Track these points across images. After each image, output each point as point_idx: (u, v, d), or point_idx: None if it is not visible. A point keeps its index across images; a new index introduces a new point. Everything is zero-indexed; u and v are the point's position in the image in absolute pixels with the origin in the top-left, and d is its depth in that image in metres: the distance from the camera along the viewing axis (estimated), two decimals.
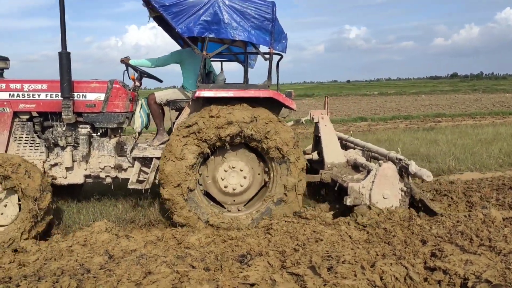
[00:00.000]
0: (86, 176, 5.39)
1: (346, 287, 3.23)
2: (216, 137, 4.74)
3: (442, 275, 3.43)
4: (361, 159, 5.92)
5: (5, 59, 5.16)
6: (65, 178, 5.30)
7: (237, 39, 4.86)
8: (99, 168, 5.35)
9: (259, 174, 5.16)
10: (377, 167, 5.24)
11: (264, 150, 4.91)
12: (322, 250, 4.05)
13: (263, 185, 5.22)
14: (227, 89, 4.96)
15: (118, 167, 5.37)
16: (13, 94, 5.06)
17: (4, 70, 5.21)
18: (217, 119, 4.72)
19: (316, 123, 6.26)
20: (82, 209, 5.65)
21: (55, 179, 5.20)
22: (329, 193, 6.12)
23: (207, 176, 5.12)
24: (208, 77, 5.79)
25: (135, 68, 5.54)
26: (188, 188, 4.82)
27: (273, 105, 5.09)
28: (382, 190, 5.19)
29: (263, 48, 5.16)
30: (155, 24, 5.64)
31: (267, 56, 4.99)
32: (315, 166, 6.24)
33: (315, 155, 6.32)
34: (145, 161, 5.35)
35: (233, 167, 5.05)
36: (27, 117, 5.23)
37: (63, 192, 5.71)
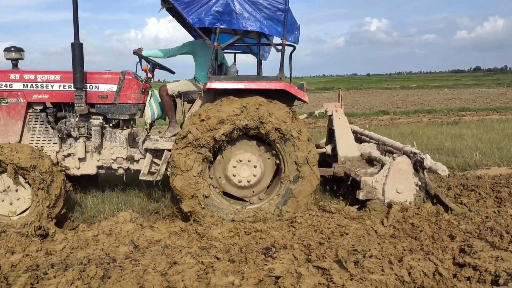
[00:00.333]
0: (99, 167, 5.42)
1: (373, 282, 3.19)
2: (213, 140, 4.70)
3: (472, 271, 3.36)
4: (375, 153, 5.81)
5: (19, 50, 5.21)
6: (78, 168, 5.35)
7: (249, 29, 4.79)
8: (111, 159, 5.38)
9: (268, 159, 5.07)
10: (391, 161, 5.14)
11: (264, 134, 4.80)
12: (348, 244, 4.01)
13: (277, 168, 5.12)
14: (238, 81, 4.90)
15: (130, 159, 5.38)
16: (27, 85, 5.11)
17: (19, 60, 5.26)
18: (208, 121, 4.65)
19: (330, 116, 6.17)
20: (106, 199, 5.72)
21: (68, 169, 5.24)
22: (340, 188, 6.02)
23: (219, 177, 5.08)
24: (220, 69, 5.75)
25: (147, 60, 5.53)
26: (203, 195, 4.81)
27: (285, 97, 5.02)
28: (396, 184, 5.09)
29: (276, 40, 5.09)
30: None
31: (279, 47, 4.91)
32: (328, 159, 6.16)
33: (328, 149, 6.22)
34: (157, 153, 5.35)
35: (241, 161, 4.99)
36: (41, 107, 5.28)
37: (83, 182, 5.85)
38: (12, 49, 5.15)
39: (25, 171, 4.54)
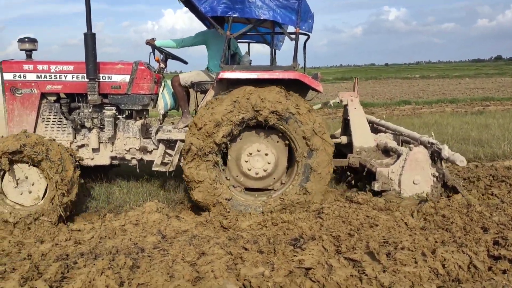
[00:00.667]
0: (112, 158, 5.43)
1: (407, 274, 3.13)
2: (215, 144, 4.66)
3: (507, 264, 3.29)
4: (392, 143, 5.71)
5: (33, 41, 5.23)
6: (92, 159, 5.37)
7: (262, 18, 4.70)
8: (125, 150, 5.38)
9: (277, 142, 4.96)
10: (407, 151, 5.04)
11: (263, 122, 4.72)
12: (378, 235, 3.95)
13: (289, 148, 5.00)
14: (251, 71, 4.83)
15: (143, 149, 5.39)
16: (41, 75, 5.13)
17: (33, 51, 5.28)
18: (205, 127, 4.61)
19: (345, 105, 6.07)
20: (131, 190, 5.76)
21: (82, 160, 5.27)
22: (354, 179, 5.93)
23: (237, 176, 5.03)
24: (233, 59, 5.68)
25: (160, 50, 5.50)
26: (225, 199, 4.80)
27: (299, 87, 4.93)
28: (412, 175, 5.00)
29: (290, 29, 5.00)
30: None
31: (293, 36, 4.82)
32: (343, 150, 6.06)
33: (343, 139, 6.12)
34: (170, 144, 5.33)
35: (251, 153, 4.92)
36: (54, 98, 5.30)
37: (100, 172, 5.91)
38: (26, 40, 5.16)
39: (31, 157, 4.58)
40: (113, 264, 3.35)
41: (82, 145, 5.35)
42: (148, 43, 5.50)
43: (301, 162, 4.83)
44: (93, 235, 4.28)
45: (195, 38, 5.55)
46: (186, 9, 5.67)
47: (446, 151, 4.91)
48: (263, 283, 3.06)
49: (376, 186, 5.05)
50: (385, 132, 6.26)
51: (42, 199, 4.77)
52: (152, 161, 5.28)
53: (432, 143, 5.14)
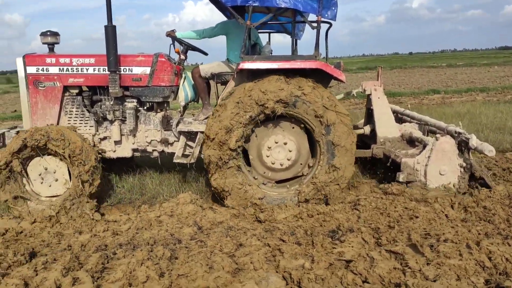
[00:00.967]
0: (134, 150, 5.45)
1: (452, 267, 3.05)
2: (231, 150, 4.63)
3: None
4: (417, 133, 5.56)
5: (55, 34, 5.26)
6: (114, 151, 5.40)
7: (282, 6, 4.62)
8: (146, 142, 5.39)
9: (293, 128, 4.89)
10: (434, 141, 4.90)
11: (270, 114, 4.64)
12: (419, 227, 3.87)
13: (305, 130, 4.92)
14: (272, 61, 4.74)
15: (164, 141, 5.38)
16: (63, 69, 5.17)
17: (55, 45, 5.32)
18: (217, 136, 4.59)
19: (369, 95, 5.94)
20: (164, 181, 5.80)
21: (104, 152, 5.31)
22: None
23: (264, 172, 4.99)
24: (254, 49, 5.61)
25: (180, 41, 5.47)
26: (259, 199, 4.78)
27: (321, 77, 4.83)
28: (438, 166, 4.87)
29: (312, 17, 4.89)
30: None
31: (315, 24, 4.71)
32: (367, 141, 5.94)
33: (367, 129, 6.00)
34: (191, 136, 5.32)
35: (270, 147, 4.87)
36: (77, 91, 5.33)
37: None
38: (48, 33, 5.21)
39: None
40: (152, 255, 3.38)
41: (104, 138, 5.39)
42: (168, 35, 5.47)
43: (322, 140, 4.74)
44: (130, 226, 4.33)
45: (216, 29, 5.49)
46: (206, 0, 5.62)
47: (474, 141, 4.76)
48: (304, 275, 3.02)
49: (401, 177, 4.93)
50: (410, 122, 6.11)
51: (70, 180, 4.89)
52: (173, 153, 5.27)
53: (459, 133, 4.98)
